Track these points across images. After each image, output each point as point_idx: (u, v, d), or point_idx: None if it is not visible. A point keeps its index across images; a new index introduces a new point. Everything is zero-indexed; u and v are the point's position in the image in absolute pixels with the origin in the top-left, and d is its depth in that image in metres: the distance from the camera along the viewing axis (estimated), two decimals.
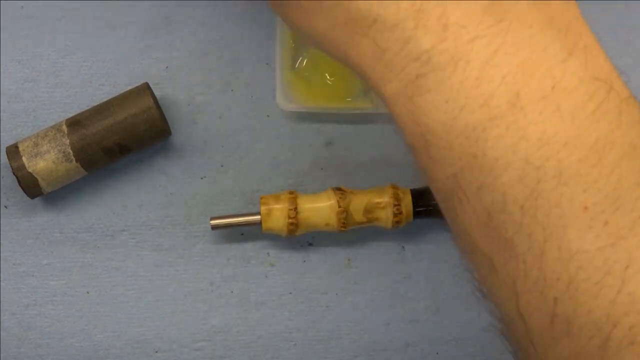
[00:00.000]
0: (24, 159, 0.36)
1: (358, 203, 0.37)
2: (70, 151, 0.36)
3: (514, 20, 0.23)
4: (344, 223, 0.37)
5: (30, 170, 0.36)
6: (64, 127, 0.37)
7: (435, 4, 0.23)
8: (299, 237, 0.38)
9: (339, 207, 0.36)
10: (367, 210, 0.37)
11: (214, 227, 0.38)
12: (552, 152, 0.22)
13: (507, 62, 0.22)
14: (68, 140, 0.36)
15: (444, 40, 0.22)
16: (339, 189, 0.37)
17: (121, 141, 0.37)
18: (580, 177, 0.22)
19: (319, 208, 0.37)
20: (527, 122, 0.22)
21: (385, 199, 0.37)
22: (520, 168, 0.22)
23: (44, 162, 0.36)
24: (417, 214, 0.37)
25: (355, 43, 0.24)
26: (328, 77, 0.39)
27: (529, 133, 0.22)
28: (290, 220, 0.36)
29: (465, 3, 0.23)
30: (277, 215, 0.37)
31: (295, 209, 0.36)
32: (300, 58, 0.39)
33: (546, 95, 0.22)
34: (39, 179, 0.36)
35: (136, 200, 0.39)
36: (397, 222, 0.37)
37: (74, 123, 0.37)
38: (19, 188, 0.37)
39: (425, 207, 0.37)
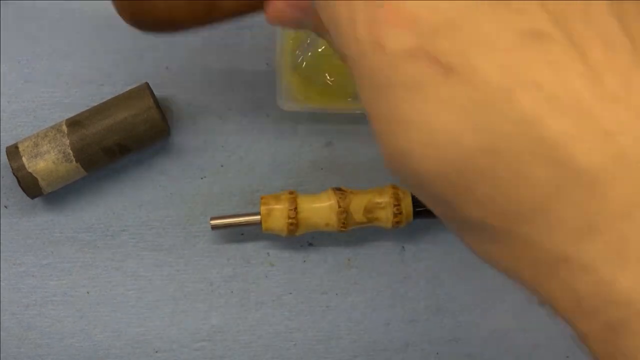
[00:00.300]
0: (24, 159, 0.36)
1: (358, 203, 0.37)
2: (70, 151, 0.36)
3: None
4: (344, 223, 0.37)
5: (30, 170, 0.36)
6: (64, 127, 0.37)
7: (636, 245, 0.20)
8: (299, 237, 0.38)
9: (339, 207, 0.36)
10: (367, 210, 0.37)
11: (214, 227, 0.38)
12: None
13: None
14: (68, 141, 0.36)
15: None
16: (339, 189, 0.37)
17: (121, 141, 0.37)
18: None
19: (319, 208, 0.37)
20: None
21: (385, 199, 0.37)
22: None
23: (44, 162, 0.36)
24: (417, 214, 0.37)
25: (541, 279, 0.22)
26: (328, 77, 0.39)
27: None
28: (290, 220, 0.36)
29: None
30: (277, 215, 0.37)
31: (295, 209, 0.36)
32: (301, 58, 0.39)
33: None
34: (39, 179, 0.36)
35: (136, 200, 0.39)
36: (397, 222, 0.37)
37: (74, 123, 0.37)
38: (19, 188, 0.37)
39: (425, 207, 0.37)
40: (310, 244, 0.39)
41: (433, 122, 0.22)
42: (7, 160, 0.37)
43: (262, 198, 0.37)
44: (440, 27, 0.21)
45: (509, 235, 0.22)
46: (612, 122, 0.21)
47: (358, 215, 0.37)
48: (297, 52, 0.39)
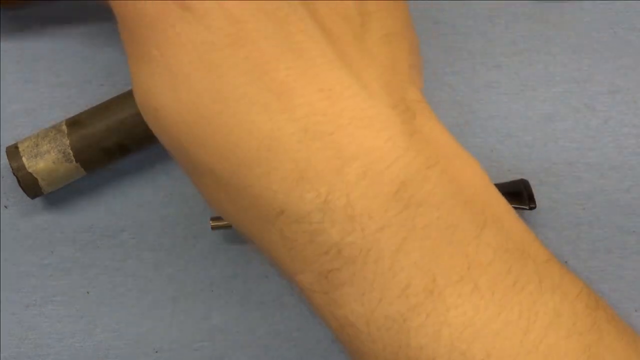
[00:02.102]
0: (24, 159, 0.36)
1: None
2: (70, 151, 0.36)
3: (422, 203, 0.21)
4: None
5: (30, 170, 0.36)
6: (64, 127, 0.37)
7: (340, 195, 0.21)
8: None
9: None
10: None
11: (214, 227, 0.38)
12: (477, 334, 0.21)
13: (417, 247, 0.21)
14: (68, 141, 0.36)
15: (352, 232, 0.21)
16: None
17: (121, 141, 0.37)
18: (508, 355, 0.21)
19: None
20: (447, 307, 0.21)
21: None
22: (446, 355, 0.21)
23: (44, 162, 0.36)
24: None
25: (263, 230, 0.23)
26: None
27: (450, 318, 0.21)
28: None
29: (371, 192, 0.21)
30: None
31: None
32: None
33: (463, 276, 0.21)
34: (39, 179, 0.36)
35: (136, 200, 0.39)
36: None
37: (74, 123, 0.37)
38: (19, 188, 0.37)
39: None
40: None
41: (171, 61, 0.22)
42: (7, 160, 0.37)
43: None
44: None
45: (233, 184, 0.22)
46: (333, 82, 0.22)
47: None
48: None
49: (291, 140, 0.22)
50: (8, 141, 0.39)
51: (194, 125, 0.22)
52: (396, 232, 0.21)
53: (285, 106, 0.21)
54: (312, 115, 0.22)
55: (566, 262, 0.38)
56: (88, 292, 0.39)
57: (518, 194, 0.36)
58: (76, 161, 0.36)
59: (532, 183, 0.38)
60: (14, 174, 0.36)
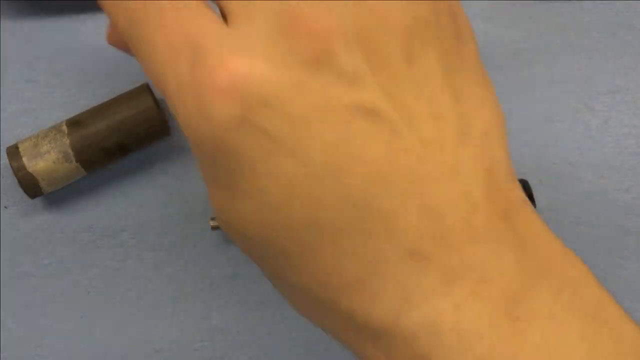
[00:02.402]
0: (24, 159, 0.36)
1: None
2: (71, 151, 0.36)
3: (532, 317, 0.21)
4: None
5: (30, 170, 0.36)
6: (64, 127, 0.37)
7: (447, 316, 0.21)
8: None
9: None
10: None
11: (214, 227, 0.38)
12: None
13: (531, 356, 0.21)
14: (68, 141, 0.36)
15: (462, 353, 0.21)
16: None
17: (121, 141, 0.37)
18: None
19: None
20: None
21: None
22: None
23: (44, 162, 0.36)
24: None
25: (364, 348, 0.22)
26: None
27: None
28: None
29: (479, 310, 0.21)
30: None
31: None
32: None
33: None
34: (39, 179, 0.36)
35: (136, 200, 0.39)
36: None
37: (74, 123, 0.37)
38: (19, 188, 0.37)
39: None
40: None
41: (260, 193, 0.21)
42: (7, 160, 0.37)
43: None
44: (268, 98, 0.20)
45: (332, 304, 0.22)
46: (439, 200, 0.21)
47: None
48: None
49: (397, 264, 0.21)
50: (8, 141, 0.39)
51: (286, 250, 0.22)
52: (506, 348, 0.21)
53: (390, 232, 0.21)
54: (418, 239, 0.21)
55: None
56: (88, 292, 0.39)
57: None
58: (76, 161, 0.36)
59: (532, 183, 0.38)
60: (14, 174, 0.36)
